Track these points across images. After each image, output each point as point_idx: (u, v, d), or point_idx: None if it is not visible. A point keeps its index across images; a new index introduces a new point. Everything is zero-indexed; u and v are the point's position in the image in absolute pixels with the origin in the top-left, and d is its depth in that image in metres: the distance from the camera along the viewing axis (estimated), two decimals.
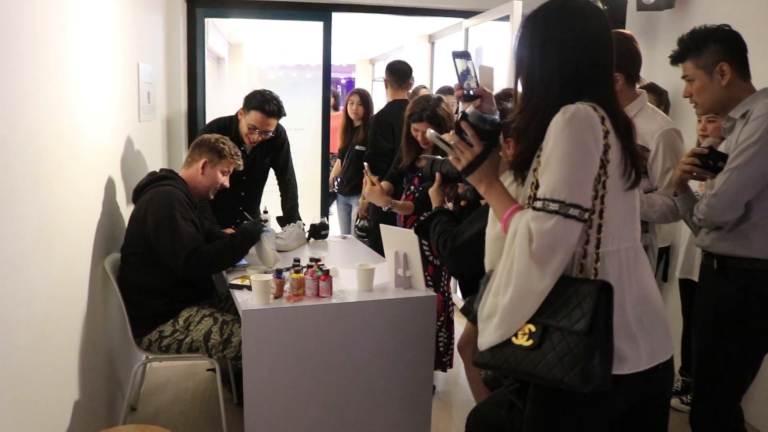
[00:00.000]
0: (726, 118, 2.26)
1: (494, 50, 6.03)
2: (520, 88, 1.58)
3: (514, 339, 1.44)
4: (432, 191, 2.38)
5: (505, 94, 2.52)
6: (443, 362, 3.37)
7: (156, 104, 3.86)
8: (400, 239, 2.61)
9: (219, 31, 6.06)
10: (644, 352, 1.48)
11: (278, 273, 2.51)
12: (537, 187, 1.46)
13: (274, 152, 3.72)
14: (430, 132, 1.66)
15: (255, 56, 6.15)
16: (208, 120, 4.36)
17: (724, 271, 2.21)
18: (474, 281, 2.63)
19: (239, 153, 3.06)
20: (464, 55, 1.75)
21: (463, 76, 1.74)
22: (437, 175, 2.35)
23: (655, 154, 2.40)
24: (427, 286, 3.19)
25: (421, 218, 2.77)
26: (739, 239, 2.16)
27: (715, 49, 2.18)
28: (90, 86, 2.48)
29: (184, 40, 4.50)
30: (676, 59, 2.29)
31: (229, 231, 3.19)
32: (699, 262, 3.18)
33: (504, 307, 1.44)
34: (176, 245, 2.64)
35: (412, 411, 2.65)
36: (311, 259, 2.60)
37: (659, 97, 3.55)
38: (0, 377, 1.66)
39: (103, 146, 2.70)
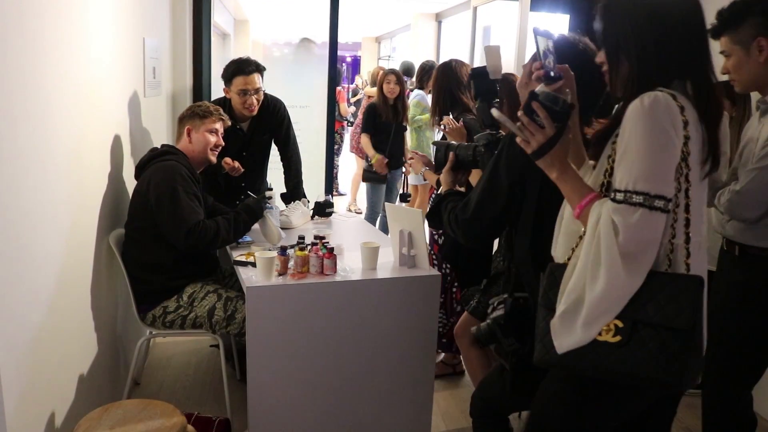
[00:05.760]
0: (759, 101, 2.18)
1: (502, 30, 5.98)
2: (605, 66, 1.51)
3: (596, 335, 1.39)
4: (443, 173, 2.25)
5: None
6: (442, 342, 3.39)
7: (161, 80, 3.83)
8: (405, 218, 2.60)
9: (225, 6, 6.00)
10: None
11: (282, 250, 2.51)
12: (610, 174, 1.42)
13: (274, 127, 3.68)
14: (495, 111, 1.57)
15: (261, 33, 6.10)
16: (213, 96, 4.33)
17: (745, 257, 2.18)
18: (470, 273, 2.61)
19: (220, 109, 3.05)
20: (547, 33, 1.62)
21: (545, 55, 1.61)
22: (450, 155, 2.23)
23: None
24: (432, 265, 3.19)
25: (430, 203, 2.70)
26: (765, 231, 2.11)
27: (753, 23, 2.04)
28: (96, 60, 2.46)
29: (189, 15, 4.44)
30: (715, 33, 2.13)
31: None
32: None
33: (593, 302, 1.38)
34: (177, 219, 2.64)
35: (414, 389, 2.66)
36: (316, 237, 2.60)
37: None
38: (5, 353, 1.66)
39: (108, 122, 2.68)
